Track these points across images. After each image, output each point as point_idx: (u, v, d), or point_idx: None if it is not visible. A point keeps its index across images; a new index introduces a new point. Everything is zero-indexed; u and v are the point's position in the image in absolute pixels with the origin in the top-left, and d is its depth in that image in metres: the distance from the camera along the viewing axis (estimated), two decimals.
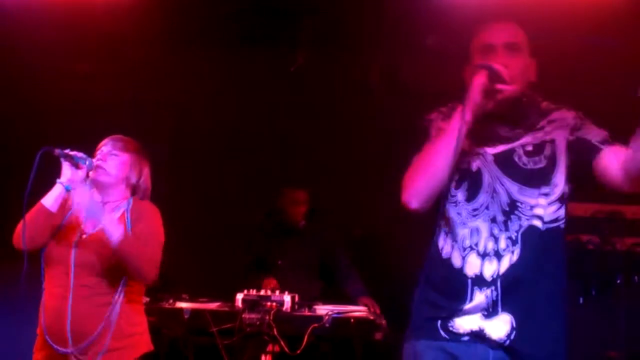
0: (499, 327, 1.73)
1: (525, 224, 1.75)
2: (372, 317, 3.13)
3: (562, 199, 1.81)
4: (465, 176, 1.82)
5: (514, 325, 1.73)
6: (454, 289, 1.77)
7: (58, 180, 2.27)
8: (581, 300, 3.80)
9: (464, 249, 1.78)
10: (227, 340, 3.08)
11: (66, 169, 2.26)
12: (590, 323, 3.77)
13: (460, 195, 1.82)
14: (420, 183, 1.78)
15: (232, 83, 4.51)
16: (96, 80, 4.32)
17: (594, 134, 1.80)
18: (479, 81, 1.73)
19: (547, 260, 1.77)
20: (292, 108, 4.50)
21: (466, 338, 1.75)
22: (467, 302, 1.75)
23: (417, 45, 4.27)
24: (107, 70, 4.31)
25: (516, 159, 1.80)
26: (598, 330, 3.79)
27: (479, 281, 1.75)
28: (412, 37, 4.30)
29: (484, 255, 1.75)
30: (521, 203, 1.76)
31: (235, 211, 4.42)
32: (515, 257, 1.74)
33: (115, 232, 2.17)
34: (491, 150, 1.82)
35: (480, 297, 1.74)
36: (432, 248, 1.83)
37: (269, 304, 3.15)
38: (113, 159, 2.35)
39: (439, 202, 1.81)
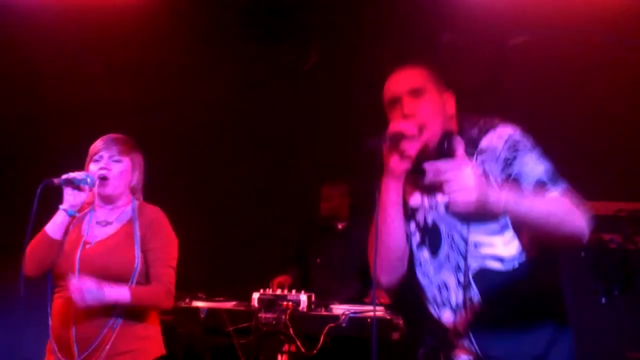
0: None
1: (475, 265, 1.70)
2: (389, 317, 3.09)
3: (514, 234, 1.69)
4: (425, 232, 1.79)
5: None
6: (438, 338, 1.78)
7: (61, 207, 2.23)
8: (603, 301, 3.73)
9: (438, 307, 1.78)
10: (243, 340, 3.07)
11: (68, 195, 2.21)
12: (612, 323, 3.71)
13: (425, 253, 1.79)
14: (379, 258, 1.75)
15: (244, 81, 4.50)
16: (105, 80, 4.33)
17: (526, 175, 1.62)
18: (385, 149, 1.69)
19: (518, 300, 1.68)
20: (305, 106, 4.48)
21: None
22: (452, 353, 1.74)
23: (431, 43, 4.24)
24: (116, 70, 4.33)
25: None
26: (620, 330, 3.72)
27: (456, 334, 1.74)
28: (426, 35, 4.26)
29: (455, 309, 1.74)
30: (473, 243, 1.69)
31: (251, 210, 4.42)
32: (475, 302, 1.69)
33: (123, 298, 2.16)
34: (442, 199, 1.74)
35: (461, 348, 1.73)
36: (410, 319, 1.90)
37: (285, 303, 3.13)
38: (117, 166, 2.30)
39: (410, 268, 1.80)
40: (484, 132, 1.73)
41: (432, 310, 1.79)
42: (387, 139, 1.68)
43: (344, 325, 3.03)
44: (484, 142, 1.71)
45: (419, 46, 4.31)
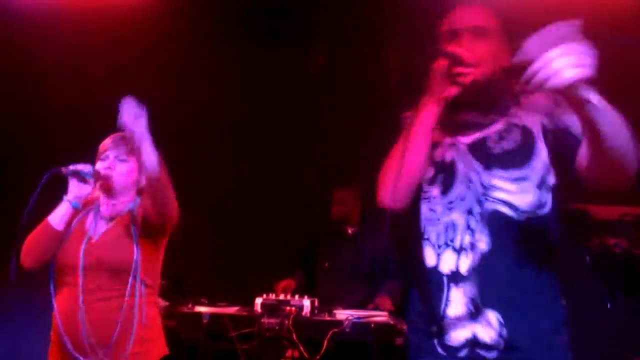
0: (488, 328, 1.61)
1: (488, 207, 1.64)
2: (392, 322, 3.08)
3: (543, 188, 1.65)
4: (439, 169, 1.73)
5: (501, 321, 1.60)
6: (430, 288, 1.68)
7: (65, 198, 2.22)
8: (609, 305, 3.71)
9: (439, 247, 1.69)
10: (246, 345, 3.06)
11: (73, 186, 2.21)
12: (617, 327, 3.69)
13: (434, 190, 1.72)
14: (394, 180, 1.66)
15: (245, 82, 4.50)
16: (106, 81, 4.33)
17: (574, 122, 1.59)
18: (437, 67, 1.66)
19: (525, 251, 1.62)
20: (306, 107, 4.48)
21: (464, 353, 1.64)
22: (444, 301, 1.65)
23: (433, 44, 4.22)
24: (117, 70, 4.33)
25: (490, 144, 1.69)
26: (625, 334, 3.70)
27: (455, 277, 1.65)
28: (428, 36, 4.25)
29: (459, 250, 1.65)
30: (488, 187, 1.65)
31: (253, 212, 4.41)
32: (484, 246, 1.63)
33: (153, 160, 2.04)
34: (464, 140, 1.73)
35: (457, 295, 1.64)
36: (410, 260, 1.75)
37: (288, 308, 3.12)
38: (121, 165, 2.30)
39: (416, 202, 1.72)
40: (529, 92, 1.68)
41: (431, 250, 1.70)
42: (443, 57, 1.64)
43: (347, 330, 3.02)
44: (528, 98, 1.70)
45: (421, 47, 4.31)
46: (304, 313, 3.14)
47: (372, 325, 3.04)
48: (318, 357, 2.95)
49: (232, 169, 4.51)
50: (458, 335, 1.64)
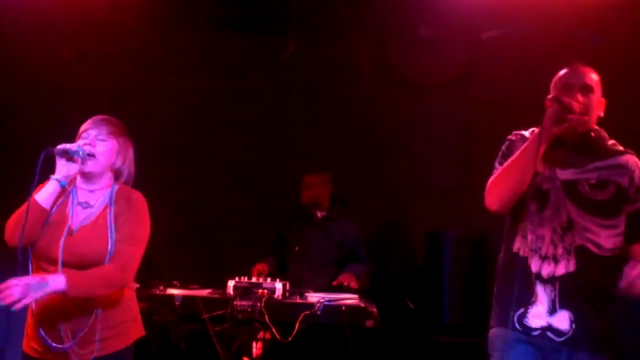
0: (562, 321, 2.11)
1: (578, 241, 2.14)
2: (363, 305, 3.14)
3: (623, 235, 2.15)
4: (537, 193, 2.19)
5: (572, 319, 2.11)
6: (524, 282, 2.14)
7: (52, 177, 2.20)
8: None
9: (532, 250, 2.17)
10: (218, 327, 3.08)
11: (61, 165, 2.19)
12: None
13: (532, 207, 2.18)
14: (501, 190, 2.17)
15: (223, 68, 4.49)
16: (82, 65, 4.28)
17: None
18: (551, 110, 2.09)
19: (606, 284, 2.12)
20: (281, 95, 4.49)
21: (537, 332, 2.14)
22: (532, 294, 2.14)
23: (407, 34, 4.27)
24: (91, 56, 4.28)
25: (579, 188, 2.16)
26: None
27: (539, 277, 2.15)
28: (402, 26, 4.30)
29: (544, 258, 2.15)
30: (577, 224, 2.14)
31: (227, 197, 4.42)
32: (571, 267, 2.13)
33: (59, 286, 2.05)
34: (561, 174, 2.18)
35: (541, 291, 2.14)
36: (507, 248, 2.23)
37: (260, 291, 3.15)
38: (101, 145, 2.27)
39: (518, 211, 2.19)
40: (623, 152, 2.21)
41: (522, 252, 2.18)
42: (558, 104, 2.08)
43: (318, 312, 3.07)
44: (623, 159, 2.19)
45: (396, 38, 4.35)
46: (276, 296, 3.17)
47: (343, 307, 3.09)
48: (290, 338, 3.00)
49: (205, 153, 4.50)
50: (535, 321, 2.14)
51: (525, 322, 2.15)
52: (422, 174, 4.30)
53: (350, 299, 3.27)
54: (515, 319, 2.15)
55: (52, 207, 2.23)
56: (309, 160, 4.32)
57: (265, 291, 3.15)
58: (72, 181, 2.32)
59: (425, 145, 4.31)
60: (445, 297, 4.02)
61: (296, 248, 3.94)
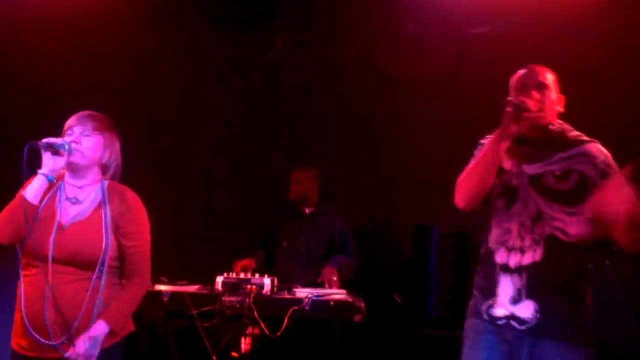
0: (525, 310, 2.19)
1: (547, 231, 2.21)
2: (351, 300, 3.16)
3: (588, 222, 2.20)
4: (506, 190, 2.30)
5: (537, 309, 2.19)
6: (490, 273, 2.28)
7: (39, 172, 2.17)
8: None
9: (499, 243, 2.28)
10: (207, 323, 3.09)
11: (47, 159, 2.17)
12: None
13: (500, 203, 2.30)
14: (466, 188, 2.27)
15: (213, 66, 4.48)
16: (81, 64, 4.25)
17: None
18: (506, 112, 2.19)
19: (572, 269, 2.21)
20: (269, 92, 4.48)
21: (502, 322, 2.23)
22: (496, 285, 2.24)
23: (395, 31, 4.28)
24: (82, 52, 4.25)
25: (544, 180, 2.25)
26: None
27: (505, 268, 2.25)
28: (391, 22, 4.30)
29: (511, 249, 2.25)
30: (545, 215, 2.22)
31: (215, 193, 4.41)
32: (537, 256, 2.20)
33: (103, 332, 2.21)
34: (528, 169, 2.28)
35: (506, 282, 2.23)
36: (484, 242, 2.33)
37: (248, 286, 3.16)
38: (87, 140, 2.26)
39: (492, 206, 2.31)
40: (585, 141, 2.28)
41: (492, 245, 2.30)
42: (512, 105, 2.18)
43: (307, 308, 3.08)
44: (585, 149, 2.26)
45: (384, 35, 4.36)
46: (264, 291, 3.18)
47: (331, 302, 3.11)
48: (279, 333, 3.01)
49: (193, 149, 4.49)
50: (499, 312, 2.24)
51: (491, 313, 2.25)
52: (410, 168, 4.32)
53: (338, 294, 3.29)
54: (484, 310, 2.27)
55: (40, 203, 2.22)
56: (297, 156, 4.33)
57: (254, 287, 3.17)
58: (60, 176, 2.31)
59: (413, 141, 4.33)
60: (432, 291, 4.05)
61: (284, 243, 3.95)
